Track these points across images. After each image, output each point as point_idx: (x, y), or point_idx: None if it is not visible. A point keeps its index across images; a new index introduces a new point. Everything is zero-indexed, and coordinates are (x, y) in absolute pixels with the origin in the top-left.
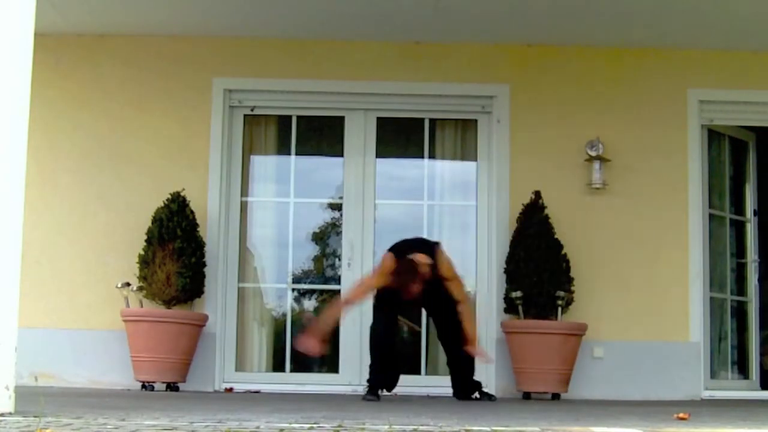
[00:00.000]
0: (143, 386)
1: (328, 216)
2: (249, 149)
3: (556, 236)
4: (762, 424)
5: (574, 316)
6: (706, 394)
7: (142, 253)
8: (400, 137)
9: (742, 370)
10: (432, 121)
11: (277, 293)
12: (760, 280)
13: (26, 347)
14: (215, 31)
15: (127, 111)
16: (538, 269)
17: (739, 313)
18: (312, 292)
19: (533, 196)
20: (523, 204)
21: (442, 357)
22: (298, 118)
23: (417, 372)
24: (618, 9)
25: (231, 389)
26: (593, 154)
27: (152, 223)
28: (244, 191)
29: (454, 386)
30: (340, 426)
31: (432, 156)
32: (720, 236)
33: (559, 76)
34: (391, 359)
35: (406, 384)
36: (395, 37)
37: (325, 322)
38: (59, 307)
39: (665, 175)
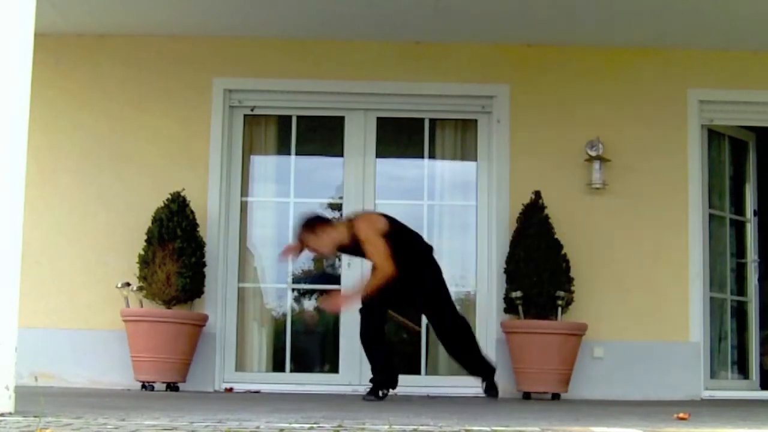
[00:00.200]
0: (143, 386)
1: (328, 216)
2: (249, 149)
3: (556, 236)
4: (762, 424)
5: (574, 316)
6: (706, 394)
7: (142, 253)
8: (400, 137)
9: (742, 370)
10: (432, 121)
11: (277, 293)
12: (760, 280)
13: (26, 347)
14: (215, 31)
15: (127, 111)
16: (538, 269)
17: (739, 313)
18: (312, 292)
19: (533, 196)
20: (523, 204)
21: (442, 357)
22: (298, 118)
23: (417, 372)
24: (618, 9)
25: (231, 389)
26: (593, 154)
27: (152, 223)
28: (244, 191)
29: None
30: (340, 426)
31: (432, 156)
32: (720, 236)
33: (559, 76)
34: (387, 357)
35: (406, 384)
36: (395, 37)
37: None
38: (59, 307)
39: (665, 175)
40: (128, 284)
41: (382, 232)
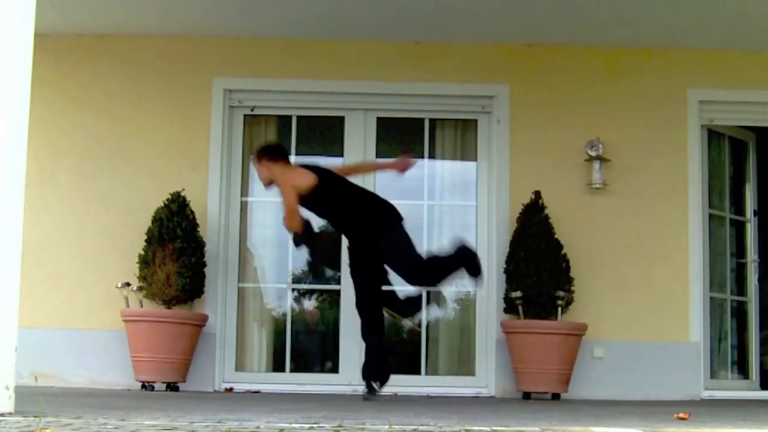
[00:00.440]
0: (143, 386)
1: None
2: (249, 149)
3: (556, 236)
4: (762, 424)
5: (574, 316)
6: (706, 394)
7: (142, 253)
8: (400, 137)
9: (742, 370)
10: (432, 121)
11: (277, 293)
12: (760, 280)
13: (26, 347)
14: (215, 31)
15: (127, 111)
16: (538, 269)
17: (739, 313)
18: (312, 292)
19: (533, 196)
20: (523, 204)
21: (442, 357)
22: (298, 118)
23: (417, 372)
24: (618, 9)
25: (231, 389)
26: (593, 154)
27: (152, 223)
28: (244, 191)
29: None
30: (340, 426)
31: (432, 156)
32: (720, 236)
33: (559, 76)
34: (379, 344)
35: (406, 384)
36: (395, 37)
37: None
38: (59, 307)
39: (665, 175)
40: (128, 284)
41: (301, 190)
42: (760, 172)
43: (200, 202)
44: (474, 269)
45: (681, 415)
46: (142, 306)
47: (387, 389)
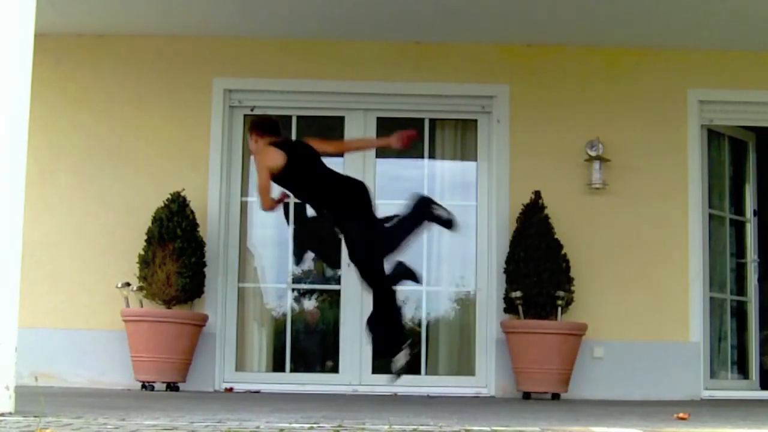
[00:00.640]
0: (143, 386)
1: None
2: (249, 149)
3: (556, 236)
4: (762, 424)
5: (574, 316)
6: (706, 394)
7: (142, 253)
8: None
9: (742, 370)
10: (432, 121)
11: (277, 293)
12: (760, 280)
13: (26, 347)
14: (215, 31)
15: (127, 111)
16: (538, 269)
17: (739, 313)
18: (312, 292)
19: (533, 196)
20: (523, 204)
21: (442, 357)
22: (298, 118)
23: (417, 372)
24: (618, 9)
25: (231, 389)
26: (593, 154)
27: (152, 223)
28: (244, 191)
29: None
30: (340, 426)
31: (432, 156)
32: (720, 236)
33: (558, 76)
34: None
35: (406, 384)
36: (395, 37)
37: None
38: (59, 307)
39: (665, 175)
40: (128, 284)
41: (272, 170)
42: (760, 172)
43: (200, 202)
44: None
45: (681, 415)
46: (142, 306)
47: (387, 389)
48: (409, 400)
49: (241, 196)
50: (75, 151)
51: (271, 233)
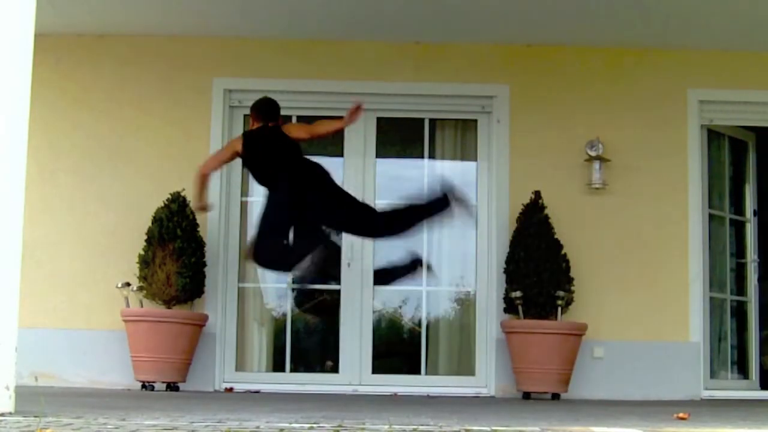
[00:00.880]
0: (143, 386)
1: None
2: None
3: (555, 236)
4: (762, 424)
5: (574, 316)
6: (706, 394)
7: (142, 253)
8: (400, 137)
9: (742, 370)
10: (432, 121)
11: (277, 293)
12: (760, 280)
13: (26, 347)
14: (215, 31)
15: (127, 111)
16: (538, 269)
17: (739, 313)
18: (312, 292)
19: (533, 196)
20: (523, 204)
21: (442, 357)
22: (298, 118)
23: (417, 372)
24: (617, 9)
25: (231, 389)
26: (593, 154)
27: (152, 223)
28: (244, 191)
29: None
30: (340, 426)
31: (432, 156)
32: (720, 236)
33: (558, 76)
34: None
35: (406, 384)
36: (395, 37)
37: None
38: (59, 307)
39: (665, 175)
40: (128, 284)
41: (234, 147)
42: (760, 172)
43: None
44: (445, 207)
45: (681, 415)
46: (142, 306)
47: (387, 389)
48: (409, 400)
49: (242, 196)
50: (75, 151)
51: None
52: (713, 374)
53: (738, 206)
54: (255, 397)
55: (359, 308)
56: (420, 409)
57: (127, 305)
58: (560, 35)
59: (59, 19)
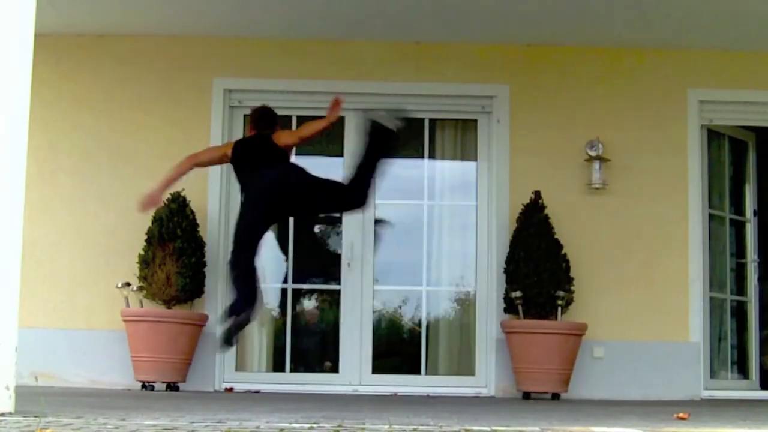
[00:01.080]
0: (143, 386)
1: (328, 216)
2: None
3: (555, 236)
4: (762, 424)
5: (574, 316)
6: (706, 394)
7: (142, 253)
8: (400, 137)
9: (742, 370)
10: (432, 121)
11: (277, 293)
12: (760, 280)
13: (26, 347)
14: (215, 31)
15: (127, 111)
16: (538, 269)
17: (739, 313)
18: (312, 292)
19: (533, 196)
20: (523, 204)
21: (442, 357)
22: (298, 118)
23: (417, 372)
24: (618, 9)
25: (231, 389)
26: (593, 154)
27: (152, 223)
28: None
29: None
30: (340, 426)
31: (432, 156)
32: (720, 236)
33: (558, 76)
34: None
35: (406, 384)
36: (395, 37)
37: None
38: (59, 307)
39: (665, 175)
40: (128, 284)
41: (225, 149)
42: (760, 172)
43: (200, 202)
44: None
45: (681, 415)
46: (142, 306)
47: (387, 389)
48: (409, 400)
49: (241, 196)
50: (75, 151)
51: (270, 233)
52: (713, 374)
53: (738, 206)
54: (255, 397)
55: (359, 308)
56: (420, 409)
57: (127, 305)
58: (560, 35)
59: (59, 19)
